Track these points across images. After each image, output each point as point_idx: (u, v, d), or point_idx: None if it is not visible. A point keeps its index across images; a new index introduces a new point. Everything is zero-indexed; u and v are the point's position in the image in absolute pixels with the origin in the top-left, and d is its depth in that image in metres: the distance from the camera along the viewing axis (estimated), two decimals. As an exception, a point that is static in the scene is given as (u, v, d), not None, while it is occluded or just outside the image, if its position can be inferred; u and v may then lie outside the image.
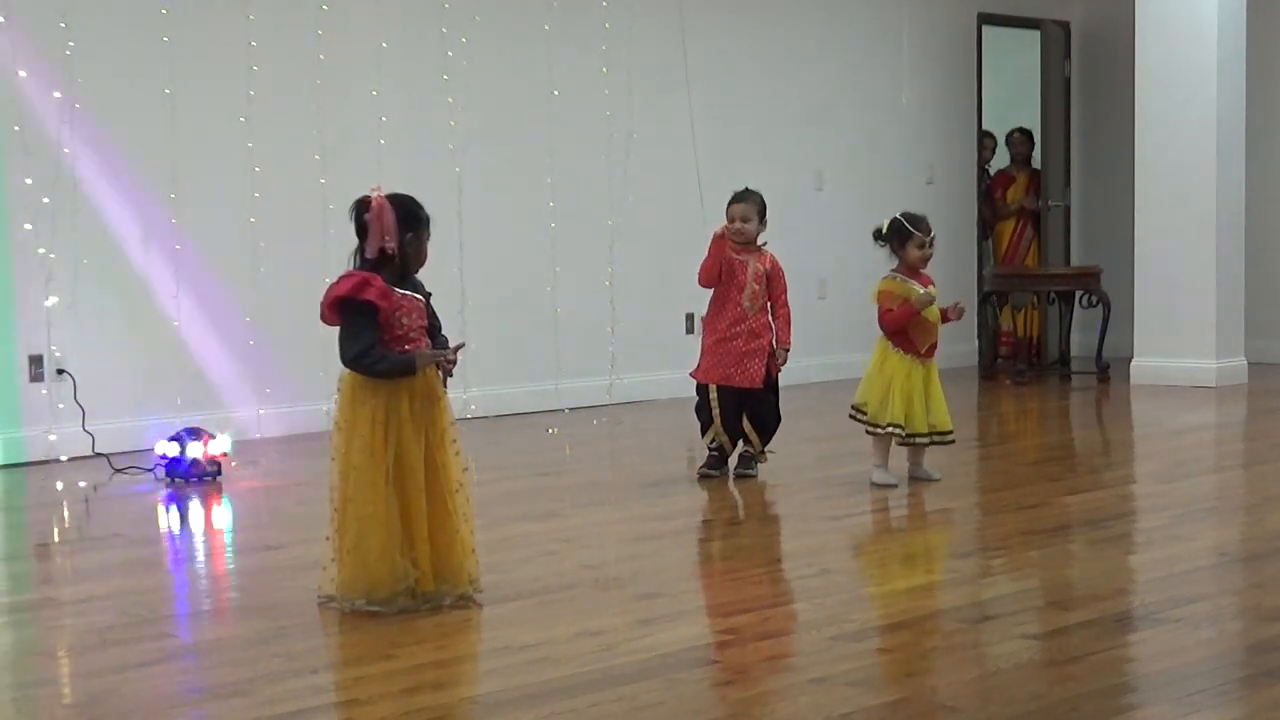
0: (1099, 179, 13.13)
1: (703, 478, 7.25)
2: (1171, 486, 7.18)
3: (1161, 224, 10.95)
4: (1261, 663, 4.27)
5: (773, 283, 7.21)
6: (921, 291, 6.92)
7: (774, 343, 7.24)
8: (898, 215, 7.00)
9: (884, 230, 6.98)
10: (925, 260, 6.98)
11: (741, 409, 7.22)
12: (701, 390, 7.28)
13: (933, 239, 6.98)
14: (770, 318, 7.25)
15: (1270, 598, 5.04)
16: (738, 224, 7.19)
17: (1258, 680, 4.12)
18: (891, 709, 3.91)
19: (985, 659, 4.40)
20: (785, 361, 7.25)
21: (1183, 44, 10.80)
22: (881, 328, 6.99)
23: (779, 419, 7.37)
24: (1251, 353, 11.26)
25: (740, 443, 7.29)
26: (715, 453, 7.28)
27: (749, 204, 7.18)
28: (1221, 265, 10.83)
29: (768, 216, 7.29)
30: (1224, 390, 10.61)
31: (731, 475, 7.28)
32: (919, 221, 6.97)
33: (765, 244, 7.28)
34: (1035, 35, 12.61)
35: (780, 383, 7.36)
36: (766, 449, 7.34)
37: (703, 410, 7.28)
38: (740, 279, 7.15)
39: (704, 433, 7.31)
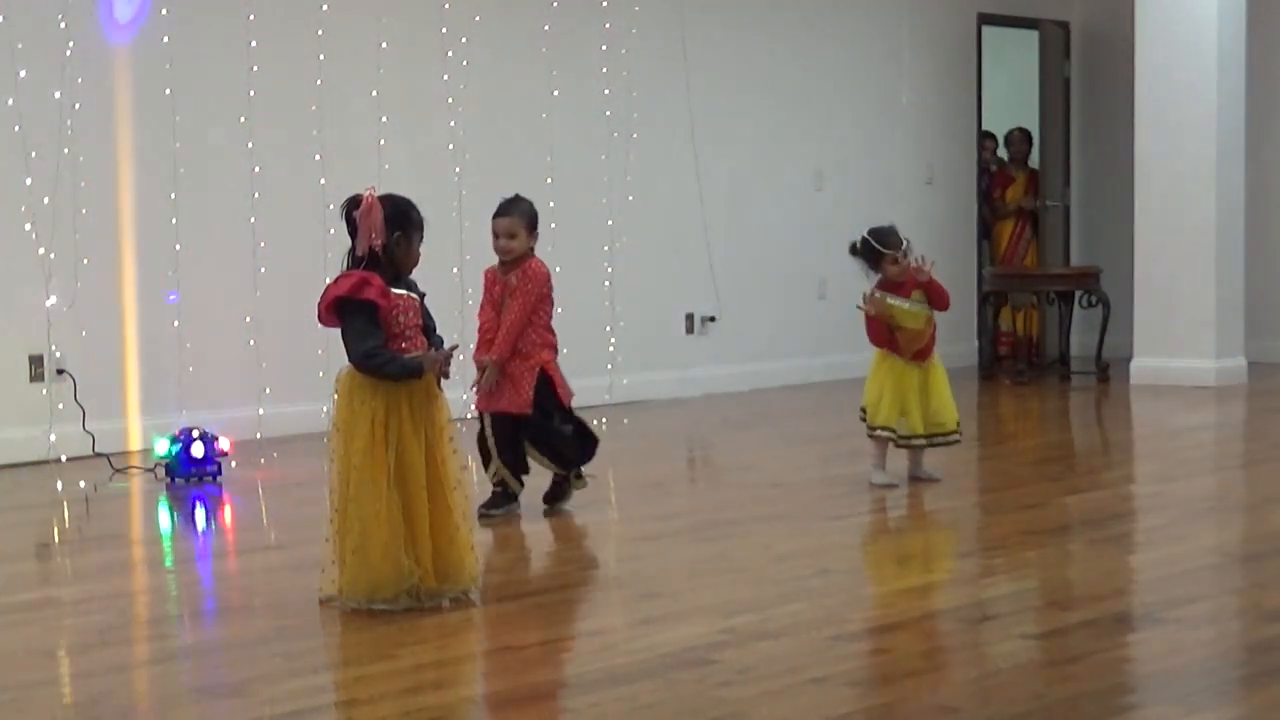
0: (1098, 179, 13.13)
1: (482, 517, 6.12)
2: (1171, 486, 7.18)
3: (1161, 224, 10.94)
4: (1261, 663, 4.27)
5: (519, 287, 6.20)
6: (907, 307, 6.85)
7: (543, 360, 6.22)
8: (865, 235, 6.88)
9: (857, 247, 6.89)
10: (906, 271, 6.84)
11: (519, 438, 6.27)
12: (480, 420, 6.31)
13: (906, 249, 6.84)
14: (544, 330, 6.29)
15: (1270, 598, 5.04)
16: (502, 241, 6.21)
17: (1258, 680, 4.12)
18: (891, 709, 3.91)
19: (985, 659, 4.40)
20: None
21: (1183, 44, 10.79)
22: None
23: (592, 440, 6.43)
24: (1251, 353, 11.25)
25: (554, 469, 6.40)
26: (498, 489, 6.30)
27: (514, 217, 6.19)
28: (1221, 265, 10.83)
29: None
30: (1223, 390, 10.60)
31: (543, 509, 6.44)
32: (887, 237, 6.83)
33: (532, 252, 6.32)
34: (1034, 35, 12.61)
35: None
36: (584, 472, 6.45)
37: (482, 442, 6.30)
38: (499, 300, 6.29)
39: (485, 467, 6.33)
